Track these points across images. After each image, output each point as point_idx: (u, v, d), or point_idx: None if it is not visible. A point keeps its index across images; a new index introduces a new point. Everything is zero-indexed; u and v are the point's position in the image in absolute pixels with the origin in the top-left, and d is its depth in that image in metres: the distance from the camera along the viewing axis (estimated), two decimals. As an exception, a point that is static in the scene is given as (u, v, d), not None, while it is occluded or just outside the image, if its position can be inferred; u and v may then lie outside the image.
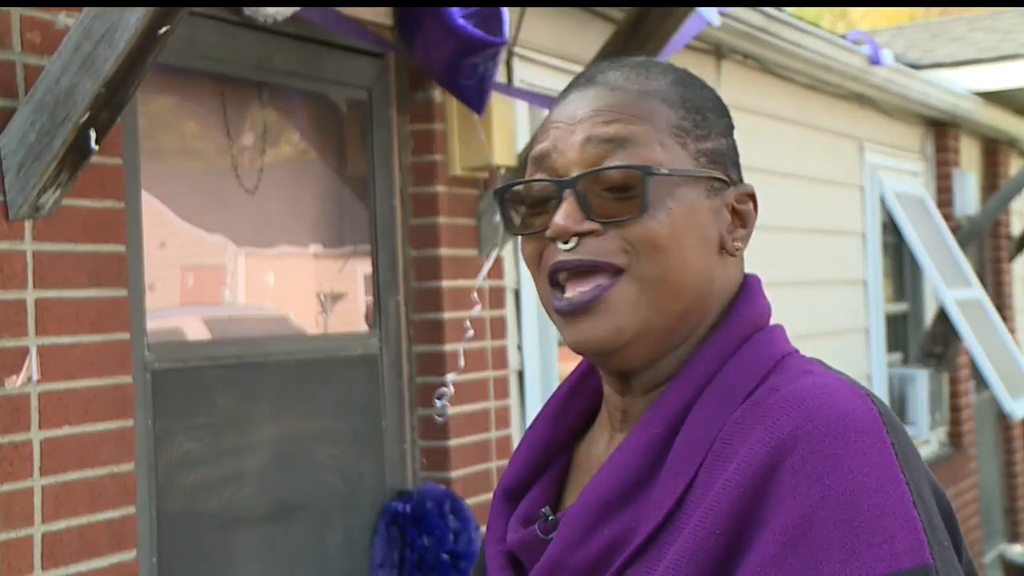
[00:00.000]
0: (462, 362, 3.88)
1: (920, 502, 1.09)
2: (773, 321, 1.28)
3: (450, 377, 3.84)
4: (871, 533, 1.06)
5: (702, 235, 1.22)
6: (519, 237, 1.28)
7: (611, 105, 1.22)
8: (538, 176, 1.24)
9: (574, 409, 1.35)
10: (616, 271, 1.20)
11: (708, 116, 1.26)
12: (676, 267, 1.20)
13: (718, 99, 1.30)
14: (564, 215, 1.20)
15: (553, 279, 1.23)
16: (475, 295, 3.94)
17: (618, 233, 1.20)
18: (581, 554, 1.18)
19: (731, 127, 1.31)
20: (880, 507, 1.06)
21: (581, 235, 1.21)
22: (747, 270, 1.32)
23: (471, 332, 3.90)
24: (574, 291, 1.22)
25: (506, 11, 3.59)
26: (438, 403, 3.82)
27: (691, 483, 1.15)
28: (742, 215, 1.27)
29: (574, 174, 1.21)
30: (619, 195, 1.20)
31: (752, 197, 1.28)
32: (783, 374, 1.19)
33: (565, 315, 1.22)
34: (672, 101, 1.24)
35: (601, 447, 1.29)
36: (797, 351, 1.25)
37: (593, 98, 1.23)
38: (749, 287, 1.29)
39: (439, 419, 3.84)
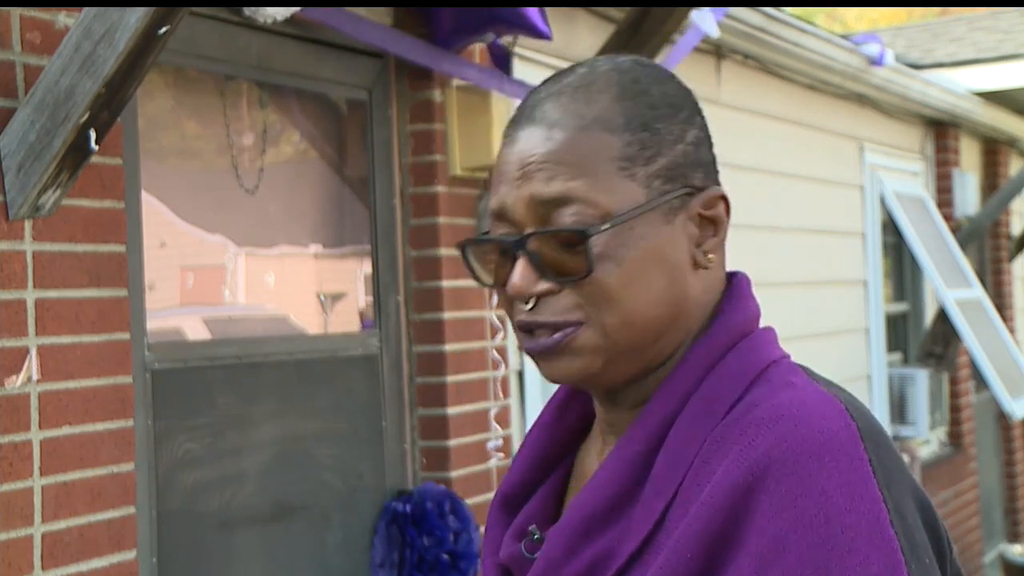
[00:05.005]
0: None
1: (899, 519, 1.08)
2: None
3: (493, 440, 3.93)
4: (845, 555, 1.05)
5: (666, 265, 1.19)
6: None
7: (549, 155, 1.18)
8: (499, 230, 1.23)
9: (574, 411, 1.34)
10: (578, 324, 1.19)
11: (658, 129, 1.20)
12: (638, 310, 1.19)
13: (673, 93, 1.23)
14: (519, 275, 1.19)
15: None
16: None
17: (573, 290, 1.19)
18: (564, 573, 1.18)
19: (690, 122, 1.23)
20: (854, 527, 1.06)
21: (539, 295, 1.20)
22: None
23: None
24: (542, 335, 1.21)
25: None
26: (493, 450, 3.95)
27: (671, 503, 1.14)
28: (712, 220, 1.23)
29: (527, 231, 1.20)
30: (570, 252, 1.17)
31: (722, 199, 1.23)
32: (764, 387, 1.17)
33: (534, 356, 1.22)
34: (615, 126, 1.19)
35: (593, 457, 1.29)
36: (785, 356, 1.23)
37: (533, 143, 1.20)
38: (736, 290, 1.26)
39: (496, 454, 3.94)
